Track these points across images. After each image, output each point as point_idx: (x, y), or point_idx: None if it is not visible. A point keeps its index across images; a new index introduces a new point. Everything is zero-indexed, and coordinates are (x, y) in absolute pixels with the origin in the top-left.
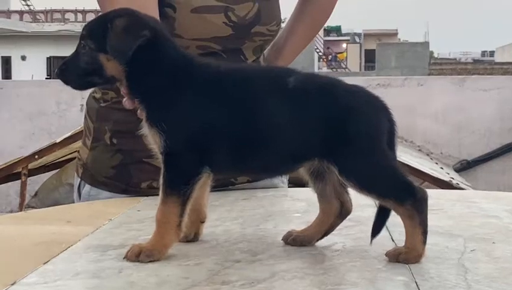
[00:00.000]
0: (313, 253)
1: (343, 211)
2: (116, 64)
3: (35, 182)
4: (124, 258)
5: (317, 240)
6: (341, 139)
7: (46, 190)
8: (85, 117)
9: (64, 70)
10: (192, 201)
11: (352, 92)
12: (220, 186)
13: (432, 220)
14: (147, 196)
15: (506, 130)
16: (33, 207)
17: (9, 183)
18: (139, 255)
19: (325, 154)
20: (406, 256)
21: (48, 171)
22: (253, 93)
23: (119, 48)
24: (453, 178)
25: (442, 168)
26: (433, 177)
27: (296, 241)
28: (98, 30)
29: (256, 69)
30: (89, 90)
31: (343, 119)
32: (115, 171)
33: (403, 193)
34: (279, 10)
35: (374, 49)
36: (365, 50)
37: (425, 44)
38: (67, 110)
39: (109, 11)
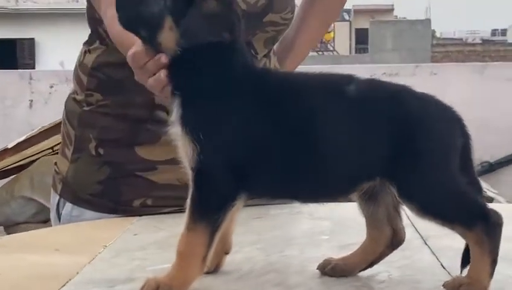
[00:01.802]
0: (356, 285)
1: (395, 240)
2: (175, 38)
3: None
4: None
5: (361, 271)
6: (408, 155)
7: None
8: (63, 122)
9: (128, 10)
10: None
11: (424, 102)
12: None
13: None
14: (139, 215)
15: None
16: None
17: None
18: None
19: (387, 172)
20: (468, 288)
21: None
22: (309, 105)
23: (193, 30)
24: None
25: None
26: None
27: (336, 271)
28: None
29: (312, 77)
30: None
31: (413, 133)
32: (102, 187)
33: (472, 217)
34: None
35: (367, 28)
36: (356, 29)
37: (427, 22)
38: (14, 107)
39: None
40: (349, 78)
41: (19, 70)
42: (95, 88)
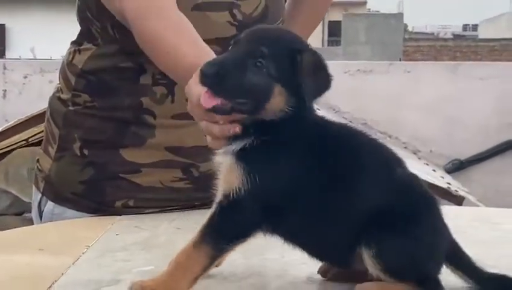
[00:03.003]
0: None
1: None
2: (284, 101)
3: None
4: None
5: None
6: None
7: None
8: (47, 120)
9: (222, 77)
10: None
11: None
12: (202, 205)
13: None
14: (119, 215)
15: (504, 126)
16: None
17: None
18: None
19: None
20: None
21: None
22: (355, 170)
23: (311, 88)
24: (449, 183)
25: (434, 170)
26: (429, 183)
27: (340, 276)
28: (283, 58)
29: (370, 147)
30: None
31: None
32: (85, 187)
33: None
34: (284, 3)
35: (339, 21)
36: (329, 22)
37: (399, 15)
38: None
39: (287, 33)
40: (400, 162)
41: None
42: (83, 89)
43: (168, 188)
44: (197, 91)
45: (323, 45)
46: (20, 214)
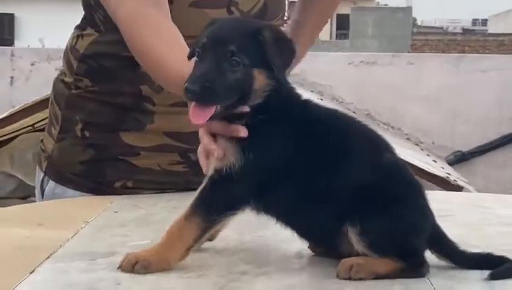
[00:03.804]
0: (325, 265)
1: None
2: (265, 79)
3: None
4: (118, 268)
5: None
6: None
7: None
8: (51, 102)
9: (208, 89)
10: None
11: None
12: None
13: (444, 228)
14: (119, 195)
15: (506, 118)
16: None
17: None
18: (134, 265)
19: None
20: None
21: None
22: (342, 151)
23: (278, 60)
24: (449, 173)
25: (435, 161)
26: (428, 172)
27: (328, 252)
28: (249, 44)
29: (358, 130)
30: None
31: None
32: (85, 167)
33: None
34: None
35: (348, 14)
36: (337, 15)
37: (408, 9)
38: None
39: (240, 21)
40: (389, 147)
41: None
42: (84, 74)
43: (166, 171)
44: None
45: (331, 38)
46: (25, 197)
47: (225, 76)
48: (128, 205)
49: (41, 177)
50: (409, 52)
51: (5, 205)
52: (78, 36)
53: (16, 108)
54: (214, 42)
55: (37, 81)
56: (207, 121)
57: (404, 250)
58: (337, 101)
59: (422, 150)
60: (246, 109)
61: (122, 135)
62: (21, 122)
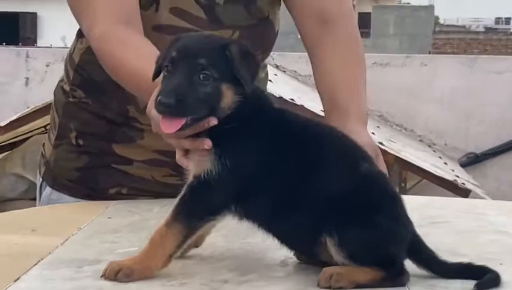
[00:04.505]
0: (308, 273)
1: None
2: (233, 94)
3: None
4: (101, 276)
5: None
6: None
7: None
8: (52, 107)
9: (182, 102)
10: None
11: None
12: None
13: (437, 235)
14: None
15: None
16: None
17: None
18: (117, 273)
19: None
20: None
21: None
22: (318, 160)
23: (245, 74)
24: (458, 176)
25: (446, 163)
26: (436, 175)
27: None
28: (218, 58)
29: (334, 138)
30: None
31: None
32: (79, 174)
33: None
34: (273, 34)
35: (369, 13)
36: (359, 13)
37: (430, 8)
38: (9, 84)
39: (207, 37)
40: (366, 157)
41: (16, 47)
42: (79, 85)
43: (159, 182)
44: (157, 115)
45: None
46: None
47: (196, 89)
48: (123, 211)
49: (40, 181)
50: (430, 51)
51: (17, 206)
52: (75, 43)
53: (27, 110)
54: (184, 56)
55: (52, 82)
56: (176, 132)
57: (383, 259)
58: None
59: (434, 151)
60: (214, 121)
61: (115, 146)
62: (33, 123)
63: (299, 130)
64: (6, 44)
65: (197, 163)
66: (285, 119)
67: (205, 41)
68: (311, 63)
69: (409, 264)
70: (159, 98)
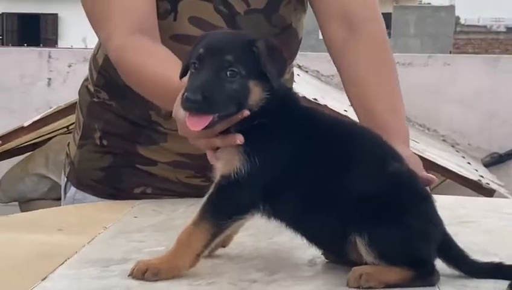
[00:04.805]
0: (337, 272)
1: None
2: (260, 90)
3: None
4: (129, 275)
5: None
6: None
7: (9, 181)
8: (76, 107)
9: (208, 98)
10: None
11: None
12: None
13: (466, 234)
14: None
15: None
16: None
17: None
18: (145, 273)
19: None
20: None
21: (10, 158)
22: (347, 158)
23: (273, 70)
24: (482, 176)
25: (469, 163)
26: (460, 175)
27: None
28: (245, 55)
29: (364, 137)
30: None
31: None
32: (104, 173)
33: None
34: (296, 41)
35: (390, 13)
36: None
37: (451, 8)
38: (32, 84)
39: (233, 34)
40: (396, 156)
41: (38, 48)
42: (102, 87)
43: (183, 183)
44: (183, 116)
45: None
46: (58, 199)
47: (224, 86)
48: (148, 210)
49: (64, 181)
50: (451, 52)
51: (39, 206)
52: (99, 45)
53: (50, 110)
54: (211, 53)
55: (74, 82)
56: (205, 130)
57: (413, 259)
58: None
59: (457, 151)
60: (247, 112)
61: (139, 147)
62: (56, 123)
63: (328, 127)
64: (28, 45)
65: (225, 162)
66: (313, 117)
67: (232, 38)
68: (339, 69)
69: (440, 264)
70: (185, 94)
